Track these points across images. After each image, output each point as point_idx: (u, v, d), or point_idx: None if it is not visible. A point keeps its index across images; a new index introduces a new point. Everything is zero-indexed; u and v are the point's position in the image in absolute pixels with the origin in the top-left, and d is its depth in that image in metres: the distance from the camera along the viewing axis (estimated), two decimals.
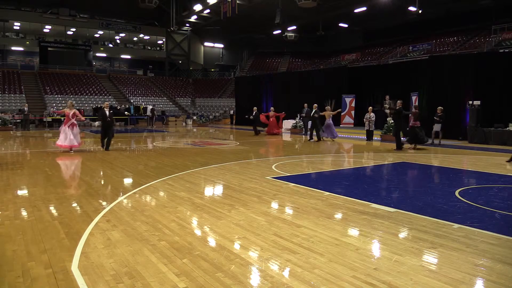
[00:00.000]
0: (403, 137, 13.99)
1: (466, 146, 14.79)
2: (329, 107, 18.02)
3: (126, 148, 14.07)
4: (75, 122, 12.19)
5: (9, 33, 39.02)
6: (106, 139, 12.75)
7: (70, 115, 12.08)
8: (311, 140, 16.79)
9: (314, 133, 17.06)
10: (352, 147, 14.93)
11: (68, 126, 11.97)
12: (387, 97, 19.70)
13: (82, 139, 13.89)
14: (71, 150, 12.22)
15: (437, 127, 14.99)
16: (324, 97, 21.09)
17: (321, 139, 16.82)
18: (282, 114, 21.20)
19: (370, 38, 42.05)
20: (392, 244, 4.07)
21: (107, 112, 12.56)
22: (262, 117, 20.96)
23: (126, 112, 15.71)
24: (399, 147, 13.44)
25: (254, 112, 20.76)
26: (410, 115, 14.16)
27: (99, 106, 30.75)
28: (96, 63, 44.94)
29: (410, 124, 14.05)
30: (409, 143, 13.85)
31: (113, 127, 13.21)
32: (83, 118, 15.19)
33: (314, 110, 16.91)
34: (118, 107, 31.54)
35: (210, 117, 36.04)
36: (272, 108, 21.99)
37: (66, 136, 11.88)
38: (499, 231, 4.48)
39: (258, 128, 20.98)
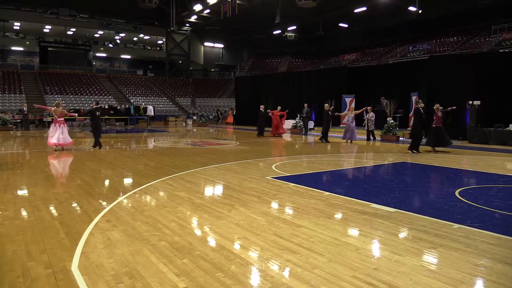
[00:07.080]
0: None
1: (466, 146, 14.78)
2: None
3: (126, 148, 14.07)
4: (63, 120, 12.78)
5: (9, 33, 39.01)
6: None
7: (58, 114, 12.58)
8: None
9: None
10: (352, 147, 14.92)
11: (59, 125, 12.49)
12: (383, 98, 19.82)
13: (82, 139, 14.00)
14: (62, 148, 12.68)
15: None
16: (324, 97, 21.04)
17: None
18: (284, 113, 19.90)
19: (370, 38, 42.02)
20: (392, 244, 4.07)
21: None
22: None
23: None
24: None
25: (305, 109, 20.16)
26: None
27: (99, 106, 30.70)
28: (96, 63, 44.93)
29: None
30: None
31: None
32: (74, 115, 16.00)
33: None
34: (118, 107, 31.55)
35: (210, 117, 36.03)
36: (279, 107, 20.19)
37: (58, 135, 12.40)
38: (499, 231, 4.48)
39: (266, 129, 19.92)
